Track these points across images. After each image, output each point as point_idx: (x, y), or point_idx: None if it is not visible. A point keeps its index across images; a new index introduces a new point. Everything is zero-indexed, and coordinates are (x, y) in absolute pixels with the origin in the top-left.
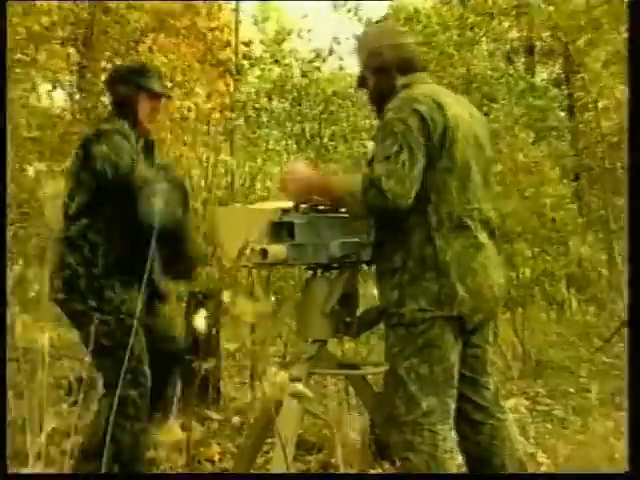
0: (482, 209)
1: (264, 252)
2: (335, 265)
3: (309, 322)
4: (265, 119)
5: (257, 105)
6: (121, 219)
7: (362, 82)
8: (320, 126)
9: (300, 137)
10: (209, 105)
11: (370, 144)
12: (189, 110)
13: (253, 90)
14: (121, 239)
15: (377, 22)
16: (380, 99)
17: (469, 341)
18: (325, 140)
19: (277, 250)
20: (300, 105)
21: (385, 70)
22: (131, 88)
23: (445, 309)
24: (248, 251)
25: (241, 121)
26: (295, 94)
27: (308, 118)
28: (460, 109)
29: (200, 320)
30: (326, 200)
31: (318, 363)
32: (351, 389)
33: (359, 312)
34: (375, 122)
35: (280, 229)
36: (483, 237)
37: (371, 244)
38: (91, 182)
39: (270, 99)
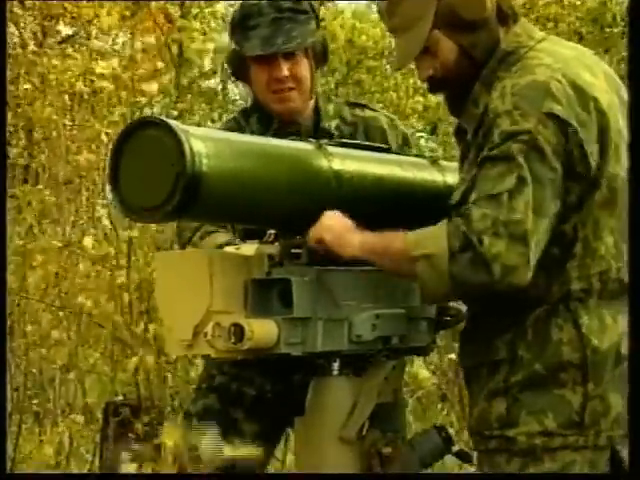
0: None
1: (238, 331)
2: (364, 355)
3: (318, 453)
4: (237, 96)
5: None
6: None
7: (424, 60)
8: None
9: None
10: (128, 73)
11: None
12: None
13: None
14: None
15: None
16: (461, 78)
17: None
18: None
19: (261, 328)
20: None
21: (479, 24)
22: (235, 51)
23: (587, 434)
24: (210, 329)
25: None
26: None
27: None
28: (606, 87)
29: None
30: (384, 264)
31: None
32: None
33: (408, 438)
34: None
35: (267, 291)
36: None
37: (428, 318)
38: None
39: None
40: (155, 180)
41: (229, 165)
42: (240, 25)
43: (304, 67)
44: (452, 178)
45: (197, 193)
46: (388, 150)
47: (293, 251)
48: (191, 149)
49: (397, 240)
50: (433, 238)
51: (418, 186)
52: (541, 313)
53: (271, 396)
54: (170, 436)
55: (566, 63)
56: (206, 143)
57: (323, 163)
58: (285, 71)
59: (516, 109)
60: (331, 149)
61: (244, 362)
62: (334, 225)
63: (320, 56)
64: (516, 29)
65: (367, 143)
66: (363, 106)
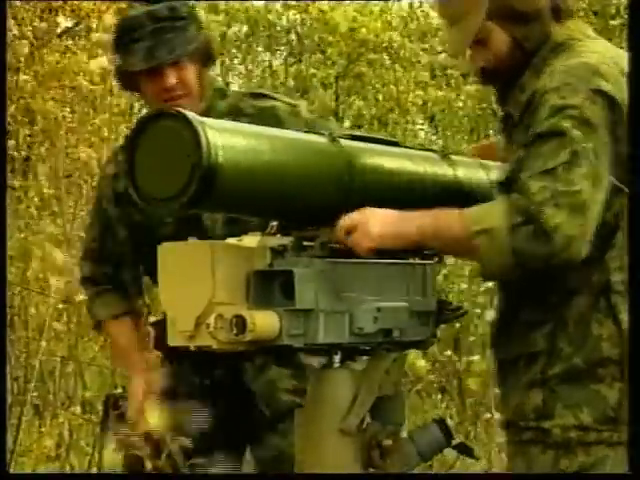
0: None
1: (240, 322)
2: (364, 348)
3: (318, 445)
4: (236, 87)
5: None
6: None
7: (477, 52)
8: (337, 98)
9: None
10: None
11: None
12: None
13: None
14: None
15: None
16: (512, 69)
17: None
18: (346, 123)
19: (263, 320)
20: (300, 61)
21: (532, 16)
22: (121, 65)
23: (621, 430)
24: (212, 321)
25: None
26: (292, 40)
27: (314, 84)
28: None
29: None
30: (443, 244)
31: None
32: None
33: (408, 431)
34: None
35: (270, 283)
36: None
37: (429, 312)
38: None
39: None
40: (171, 171)
41: (245, 157)
42: (122, 40)
43: (191, 72)
44: (462, 172)
45: (213, 184)
46: (398, 144)
47: (305, 243)
48: (207, 140)
49: (453, 219)
50: (492, 213)
51: (429, 180)
52: (583, 307)
53: (199, 392)
54: (152, 416)
55: (617, 53)
56: (222, 134)
57: (337, 156)
58: (172, 80)
59: (565, 85)
60: (343, 142)
61: (180, 360)
62: (386, 218)
63: (206, 56)
64: (569, 24)
65: (379, 136)
66: (264, 96)
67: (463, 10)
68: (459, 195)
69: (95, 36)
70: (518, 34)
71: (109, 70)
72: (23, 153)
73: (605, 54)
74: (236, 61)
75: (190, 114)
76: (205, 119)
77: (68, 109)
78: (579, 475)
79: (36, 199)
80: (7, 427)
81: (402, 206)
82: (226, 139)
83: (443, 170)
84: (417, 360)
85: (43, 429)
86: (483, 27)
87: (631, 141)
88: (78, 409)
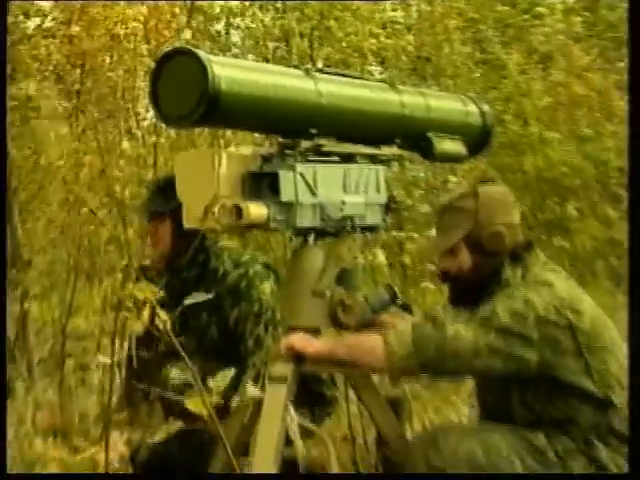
0: None
1: (238, 211)
2: (332, 231)
3: (297, 305)
4: (237, 38)
5: (221, 19)
6: None
7: (446, 258)
8: (311, 46)
9: (283, 61)
10: (153, 22)
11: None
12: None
13: None
14: None
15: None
16: (467, 281)
17: None
18: (319, 64)
19: (255, 209)
20: (284, 17)
21: (496, 254)
22: None
23: None
24: (217, 209)
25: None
26: (278, 3)
27: (294, 34)
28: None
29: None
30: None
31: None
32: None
33: (363, 293)
34: None
35: (260, 182)
36: None
37: (381, 204)
38: None
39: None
40: (185, 96)
41: (242, 85)
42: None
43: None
44: (406, 97)
45: (216, 106)
46: (360, 77)
47: (287, 151)
48: (212, 72)
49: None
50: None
51: (380, 103)
52: None
53: None
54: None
55: (573, 294)
56: (224, 68)
57: (311, 85)
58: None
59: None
60: (316, 74)
61: None
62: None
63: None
64: (521, 266)
65: (344, 71)
66: None
67: (449, 225)
68: (402, 114)
69: None
70: (480, 261)
71: (142, 18)
72: (76, 86)
73: (558, 294)
74: (238, 19)
75: (200, 52)
76: (211, 56)
77: (109, 54)
78: (579, 475)
79: (83, 121)
80: (7, 429)
81: (362, 119)
82: (227, 71)
83: (391, 96)
84: (380, 256)
85: (93, 291)
86: (457, 244)
87: (631, 142)
88: (119, 276)
